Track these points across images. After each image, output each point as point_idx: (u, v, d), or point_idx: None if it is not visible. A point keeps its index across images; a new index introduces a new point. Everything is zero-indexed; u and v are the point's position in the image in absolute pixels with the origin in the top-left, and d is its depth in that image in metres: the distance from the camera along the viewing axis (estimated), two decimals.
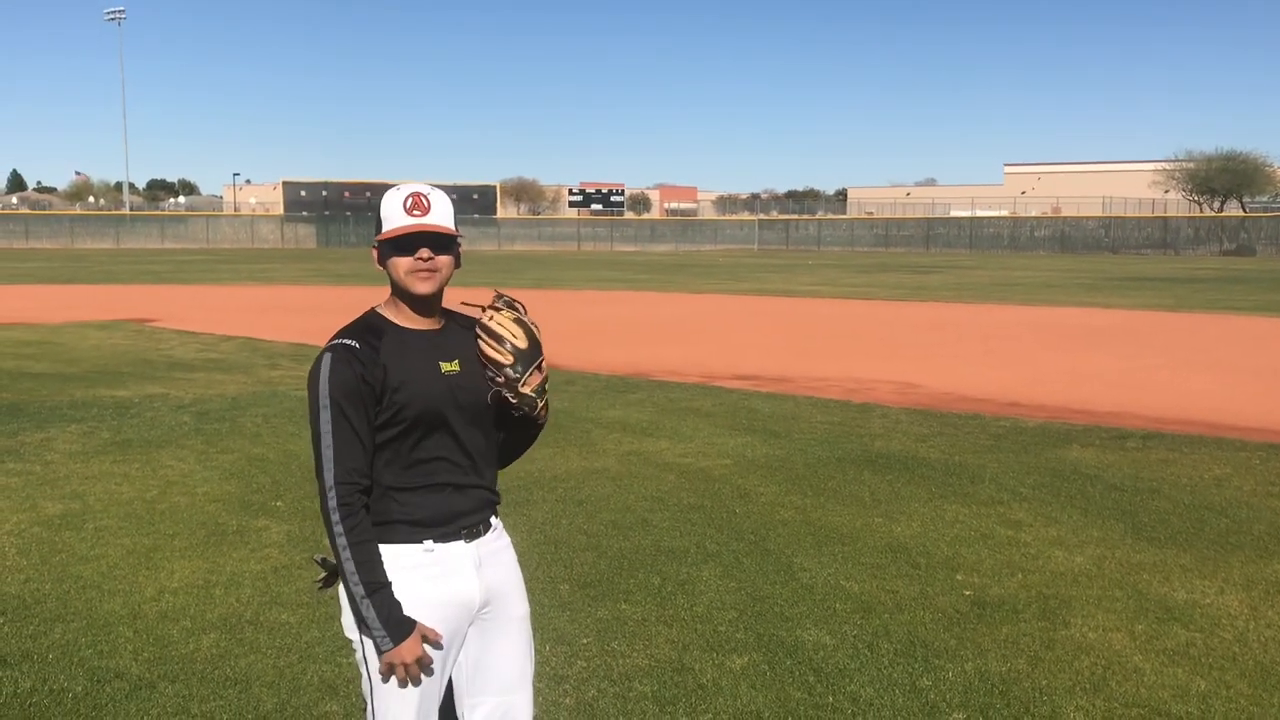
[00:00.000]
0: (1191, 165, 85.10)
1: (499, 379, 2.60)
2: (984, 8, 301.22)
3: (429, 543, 2.57)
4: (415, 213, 2.53)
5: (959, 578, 5.48)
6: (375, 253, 2.60)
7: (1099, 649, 4.59)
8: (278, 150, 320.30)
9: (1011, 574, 5.55)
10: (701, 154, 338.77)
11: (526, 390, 2.62)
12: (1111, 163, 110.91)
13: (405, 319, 2.61)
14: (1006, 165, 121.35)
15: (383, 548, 2.54)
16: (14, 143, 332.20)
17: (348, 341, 2.52)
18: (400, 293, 2.59)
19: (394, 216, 2.54)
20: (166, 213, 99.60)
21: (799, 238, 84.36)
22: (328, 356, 2.51)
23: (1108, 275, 40.70)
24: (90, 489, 7.07)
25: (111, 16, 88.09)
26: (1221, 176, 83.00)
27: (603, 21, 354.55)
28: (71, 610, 4.94)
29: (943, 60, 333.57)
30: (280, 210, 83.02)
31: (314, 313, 21.60)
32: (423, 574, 2.56)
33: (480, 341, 2.61)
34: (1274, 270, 46.55)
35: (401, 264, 2.54)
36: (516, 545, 2.83)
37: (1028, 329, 19.35)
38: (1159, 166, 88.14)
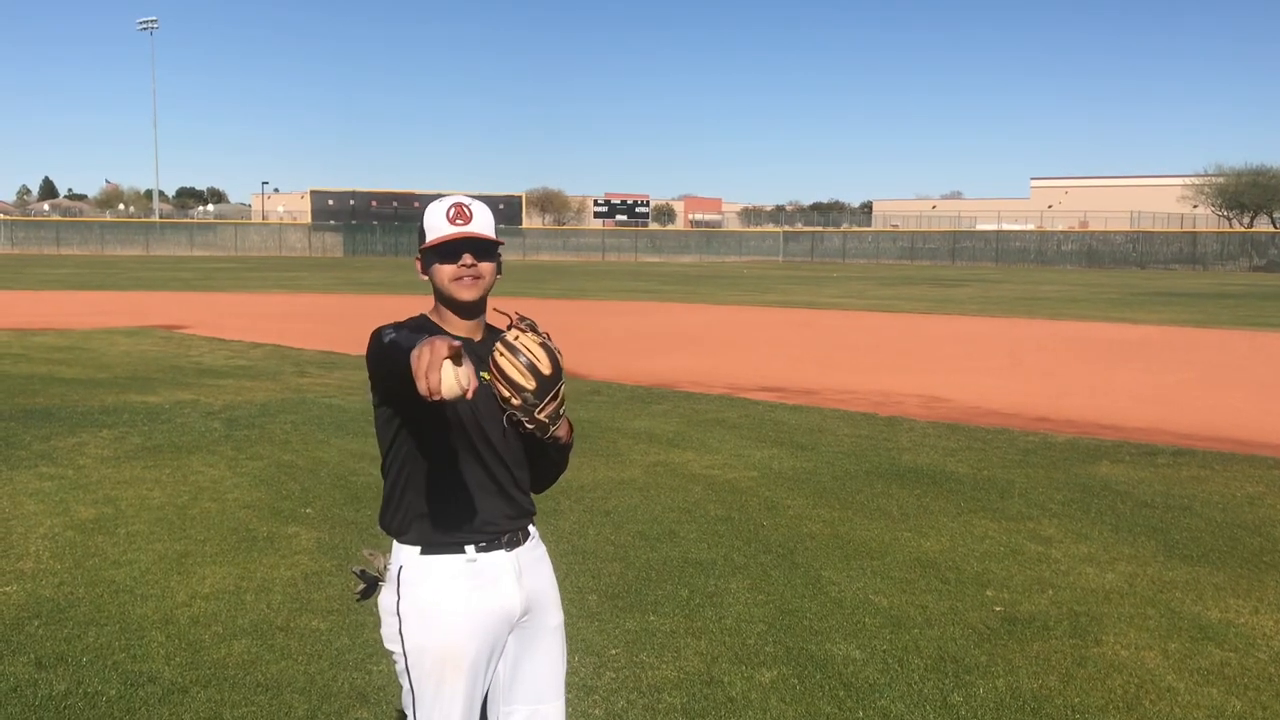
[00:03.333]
0: (1221, 180, 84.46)
1: (514, 401, 2.51)
2: (1010, 20, 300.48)
3: (471, 550, 2.59)
4: (458, 221, 2.58)
5: (989, 593, 5.45)
6: (419, 263, 2.65)
7: (1132, 667, 4.55)
8: (306, 160, 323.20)
9: (1042, 590, 5.51)
10: (726, 166, 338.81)
11: (541, 417, 2.54)
12: (1139, 177, 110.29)
13: (449, 327, 2.64)
14: (1033, 179, 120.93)
15: (425, 558, 2.57)
16: (46, 150, 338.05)
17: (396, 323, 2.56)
18: (445, 300, 2.62)
19: (438, 226, 2.58)
20: (195, 220, 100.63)
21: (824, 250, 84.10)
22: (378, 328, 2.50)
23: (1135, 290, 40.39)
24: (122, 494, 7.14)
25: (144, 26, 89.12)
26: (1251, 191, 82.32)
27: (628, 34, 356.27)
28: (104, 614, 4.99)
29: (969, 72, 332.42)
30: (308, 219, 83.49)
31: (342, 321, 21.73)
32: (466, 584, 2.57)
33: (500, 357, 2.50)
34: None
35: (446, 271, 2.57)
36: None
37: (1055, 344, 19.23)
38: (1188, 181, 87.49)
